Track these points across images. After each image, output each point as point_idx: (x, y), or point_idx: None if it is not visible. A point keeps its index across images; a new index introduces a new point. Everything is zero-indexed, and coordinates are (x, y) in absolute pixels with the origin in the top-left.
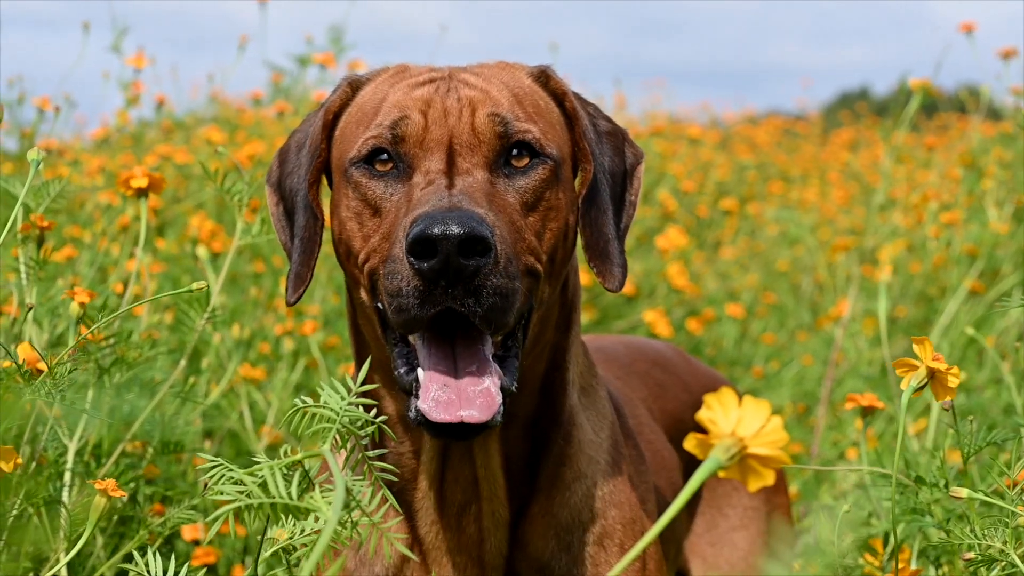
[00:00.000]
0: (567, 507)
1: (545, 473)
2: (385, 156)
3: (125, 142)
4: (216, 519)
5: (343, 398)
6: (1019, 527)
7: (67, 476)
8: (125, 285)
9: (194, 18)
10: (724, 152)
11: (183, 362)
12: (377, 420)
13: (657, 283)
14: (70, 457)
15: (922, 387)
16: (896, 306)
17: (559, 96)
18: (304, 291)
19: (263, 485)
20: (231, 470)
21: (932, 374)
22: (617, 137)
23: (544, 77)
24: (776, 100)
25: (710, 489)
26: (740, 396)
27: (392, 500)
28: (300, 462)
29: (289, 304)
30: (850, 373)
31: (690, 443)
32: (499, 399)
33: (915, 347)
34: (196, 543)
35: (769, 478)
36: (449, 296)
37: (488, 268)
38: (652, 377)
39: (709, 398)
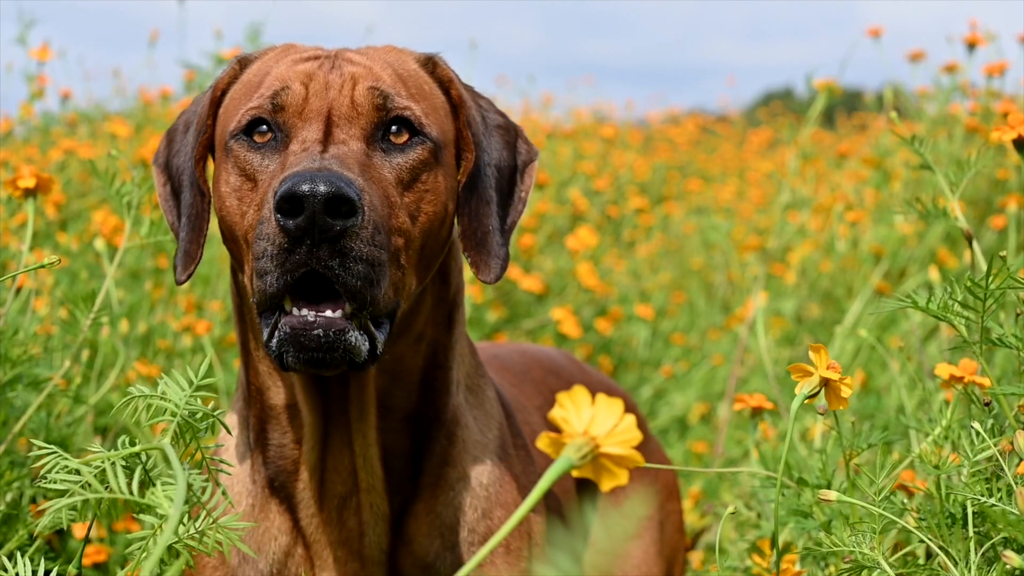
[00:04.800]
0: (451, 506)
1: (428, 471)
2: (264, 127)
3: (33, 137)
4: (50, 511)
5: (183, 390)
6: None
7: None
8: (13, 281)
9: (118, 14)
10: (646, 152)
11: (67, 362)
12: (215, 414)
13: (568, 281)
14: None
15: (815, 395)
16: (804, 305)
17: (445, 83)
18: (194, 268)
19: (101, 478)
20: (66, 459)
21: (826, 382)
22: (510, 133)
23: (431, 64)
24: (705, 97)
25: (604, 498)
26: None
27: (249, 510)
28: (139, 455)
29: (179, 283)
30: (755, 373)
31: (543, 442)
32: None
33: (811, 354)
34: (87, 540)
35: (623, 477)
36: (313, 257)
37: (355, 230)
38: (547, 385)
39: (562, 396)
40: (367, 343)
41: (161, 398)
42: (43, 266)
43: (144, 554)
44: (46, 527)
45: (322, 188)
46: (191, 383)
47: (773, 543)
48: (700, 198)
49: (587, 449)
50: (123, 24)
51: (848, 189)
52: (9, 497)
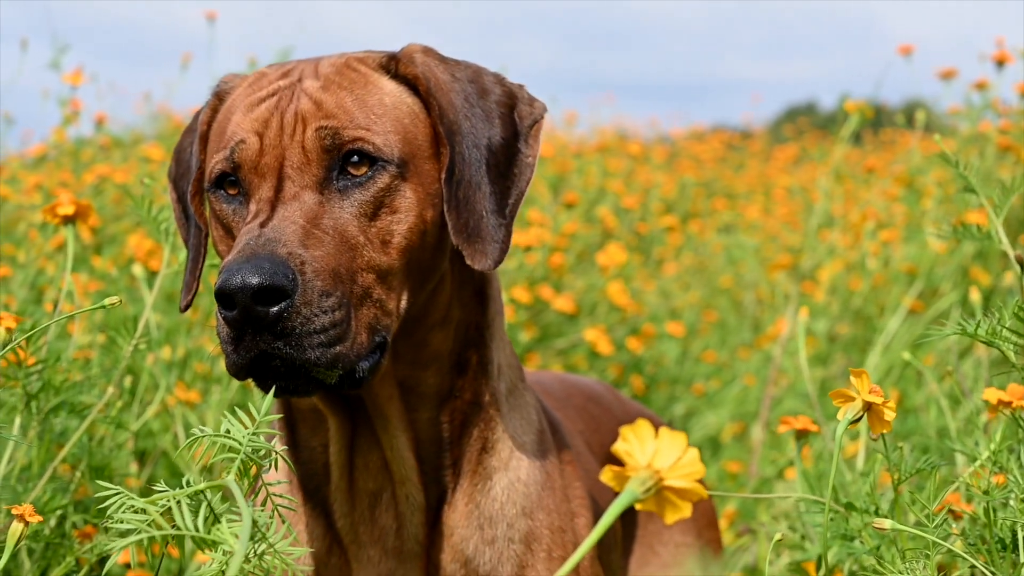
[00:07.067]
0: (489, 496)
1: (466, 458)
2: (233, 179)
3: (65, 160)
4: (119, 547)
5: (246, 427)
6: (950, 551)
7: None
8: (55, 306)
9: (146, 32)
10: (671, 169)
11: (111, 389)
12: (279, 450)
13: (598, 300)
14: None
15: (858, 419)
16: (835, 324)
17: (411, 81)
18: (192, 299)
19: (166, 514)
20: (132, 499)
21: (868, 406)
22: (504, 102)
23: (394, 64)
24: (726, 114)
25: (642, 527)
26: (661, 427)
27: (286, 514)
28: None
29: (182, 310)
30: (789, 392)
31: (607, 475)
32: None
33: (853, 378)
34: (128, 566)
35: (686, 510)
36: (261, 342)
37: (292, 311)
38: (587, 411)
39: (625, 430)
40: (337, 372)
41: (226, 436)
42: (103, 306)
43: None
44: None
45: (252, 280)
46: (253, 420)
47: (818, 566)
48: (727, 216)
49: (651, 483)
50: (149, 41)
51: (878, 207)
52: (52, 523)
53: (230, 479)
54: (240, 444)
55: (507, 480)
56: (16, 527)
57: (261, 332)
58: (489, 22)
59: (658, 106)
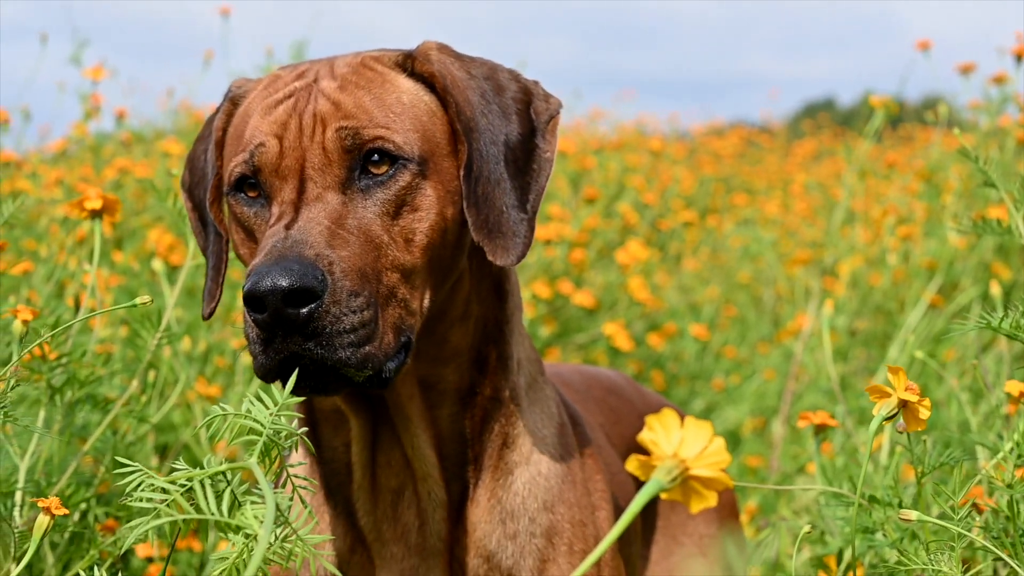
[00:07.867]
0: (511, 491)
1: (487, 453)
2: (253, 181)
3: (85, 155)
4: (138, 528)
5: (268, 408)
6: (971, 545)
7: (17, 495)
8: (77, 300)
9: (162, 27)
10: (690, 164)
11: (135, 382)
12: (299, 432)
13: (618, 296)
14: (21, 476)
15: (891, 416)
16: (855, 320)
17: (428, 79)
18: (216, 306)
19: (186, 496)
20: (152, 477)
21: (904, 404)
22: (519, 99)
23: (410, 62)
24: (744, 110)
25: (664, 517)
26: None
27: (309, 505)
28: (224, 474)
29: (204, 318)
30: (810, 387)
31: (632, 464)
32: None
33: (889, 375)
34: (150, 560)
35: (712, 500)
36: (291, 343)
37: (322, 311)
38: (607, 403)
39: (651, 419)
40: (367, 371)
41: (247, 417)
42: (134, 304)
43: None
44: (131, 545)
45: (282, 283)
46: (275, 403)
47: (839, 560)
48: (746, 211)
49: (677, 472)
50: (163, 38)
51: (898, 202)
52: (76, 516)
53: (252, 461)
54: (262, 425)
55: (528, 475)
56: (42, 520)
57: (292, 334)
58: (508, 20)
59: (678, 102)
